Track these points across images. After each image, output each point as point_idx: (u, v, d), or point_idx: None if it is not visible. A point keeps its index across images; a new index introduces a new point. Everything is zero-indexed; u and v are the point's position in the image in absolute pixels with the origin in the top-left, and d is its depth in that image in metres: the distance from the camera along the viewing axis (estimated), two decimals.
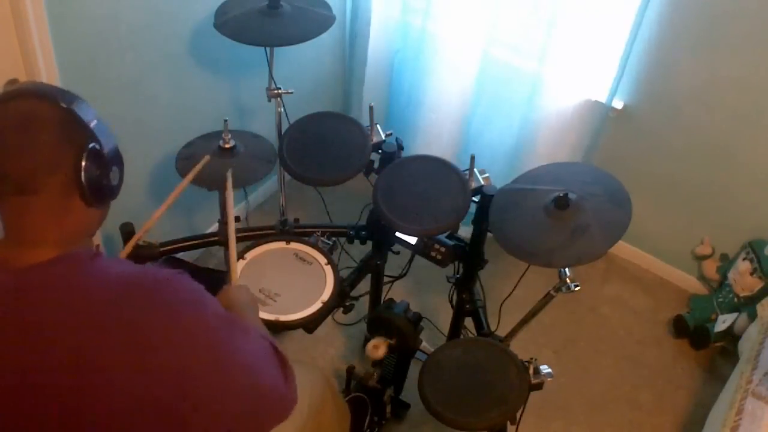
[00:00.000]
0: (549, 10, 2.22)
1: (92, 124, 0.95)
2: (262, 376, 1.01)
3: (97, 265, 0.95)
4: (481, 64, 2.41)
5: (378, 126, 1.84)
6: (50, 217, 0.93)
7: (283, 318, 1.55)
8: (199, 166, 1.59)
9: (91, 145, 0.93)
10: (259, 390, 0.99)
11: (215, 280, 1.32)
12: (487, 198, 1.67)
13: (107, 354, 0.88)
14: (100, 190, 0.96)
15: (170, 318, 0.92)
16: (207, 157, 1.66)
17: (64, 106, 0.93)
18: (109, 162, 0.97)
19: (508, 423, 1.54)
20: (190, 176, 1.56)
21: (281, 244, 1.75)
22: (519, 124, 2.48)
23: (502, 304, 1.85)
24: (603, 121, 2.40)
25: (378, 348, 1.69)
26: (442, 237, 1.80)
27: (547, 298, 1.58)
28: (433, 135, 2.61)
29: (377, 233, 1.95)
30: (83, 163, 0.92)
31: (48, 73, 1.73)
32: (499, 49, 2.38)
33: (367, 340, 2.27)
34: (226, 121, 1.87)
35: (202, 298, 0.98)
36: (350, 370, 1.90)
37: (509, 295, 1.81)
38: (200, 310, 0.96)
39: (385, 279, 2.11)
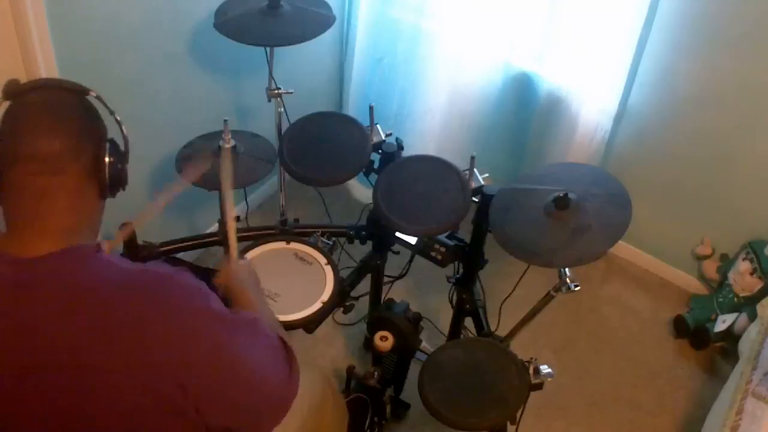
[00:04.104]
0: (556, 12, 2.23)
1: (115, 117, 1.04)
2: (265, 373, 1.01)
3: (99, 261, 0.96)
4: (487, 68, 2.42)
5: (378, 126, 1.84)
6: (69, 200, 0.95)
7: (283, 318, 1.55)
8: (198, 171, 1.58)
9: (110, 138, 1.01)
10: (261, 387, 1.00)
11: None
12: (487, 198, 1.67)
13: (108, 353, 0.88)
14: (117, 181, 1.02)
15: (171, 314, 0.92)
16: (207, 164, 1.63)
17: (86, 97, 1.00)
18: (124, 155, 1.04)
19: (508, 423, 1.54)
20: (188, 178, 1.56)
21: (281, 244, 1.75)
22: (530, 131, 2.48)
23: (502, 304, 1.85)
24: (616, 128, 2.39)
25: (386, 339, 1.69)
26: (442, 237, 1.80)
27: (547, 298, 1.58)
28: (434, 139, 2.62)
29: (377, 233, 1.95)
30: (105, 153, 0.98)
31: (48, 73, 1.73)
32: (506, 52, 2.39)
33: (367, 340, 2.27)
34: (226, 121, 1.87)
35: (204, 295, 0.98)
36: (350, 370, 1.90)
37: (509, 295, 1.81)
38: (201, 306, 0.96)
39: (385, 279, 2.10)
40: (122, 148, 1.04)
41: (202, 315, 0.95)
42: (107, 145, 0.99)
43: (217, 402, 0.94)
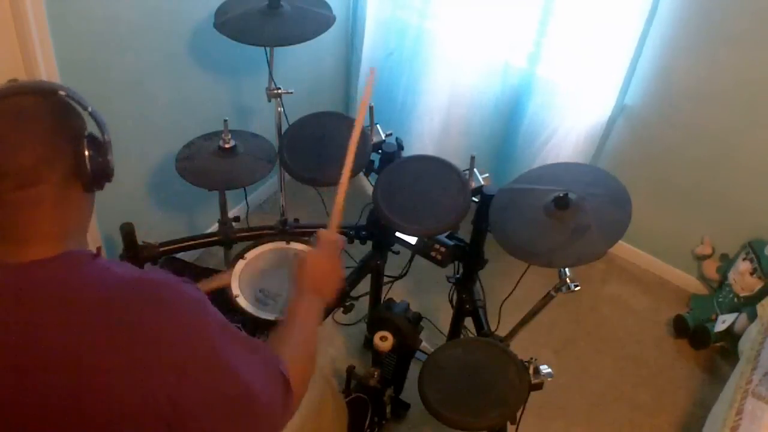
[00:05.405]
0: (556, 15, 2.23)
1: (88, 110, 0.98)
2: (258, 388, 0.98)
3: (97, 266, 0.95)
4: (485, 67, 2.41)
5: (378, 126, 1.84)
6: (54, 205, 0.93)
7: (283, 318, 1.55)
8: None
9: (88, 132, 0.96)
10: (251, 404, 0.97)
11: None
12: (487, 198, 1.67)
13: (104, 355, 0.88)
14: (103, 174, 0.98)
15: (167, 319, 0.92)
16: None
17: (55, 97, 0.95)
18: (106, 146, 0.99)
19: (508, 423, 1.54)
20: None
21: (281, 244, 1.75)
22: (525, 128, 2.48)
23: (502, 304, 1.85)
24: (612, 126, 2.40)
25: (386, 339, 1.69)
26: (442, 237, 1.80)
27: (547, 298, 1.58)
28: (433, 138, 2.61)
29: (377, 233, 1.95)
30: (85, 150, 0.94)
31: (48, 73, 1.73)
32: (505, 52, 2.39)
33: (367, 340, 2.27)
34: (226, 121, 1.87)
35: (203, 305, 0.97)
36: (350, 370, 1.90)
37: (509, 295, 1.80)
38: (198, 315, 0.95)
39: (385, 279, 2.10)
40: (102, 139, 0.99)
41: (197, 322, 0.94)
42: (85, 141, 0.95)
43: (204, 409, 0.92)
